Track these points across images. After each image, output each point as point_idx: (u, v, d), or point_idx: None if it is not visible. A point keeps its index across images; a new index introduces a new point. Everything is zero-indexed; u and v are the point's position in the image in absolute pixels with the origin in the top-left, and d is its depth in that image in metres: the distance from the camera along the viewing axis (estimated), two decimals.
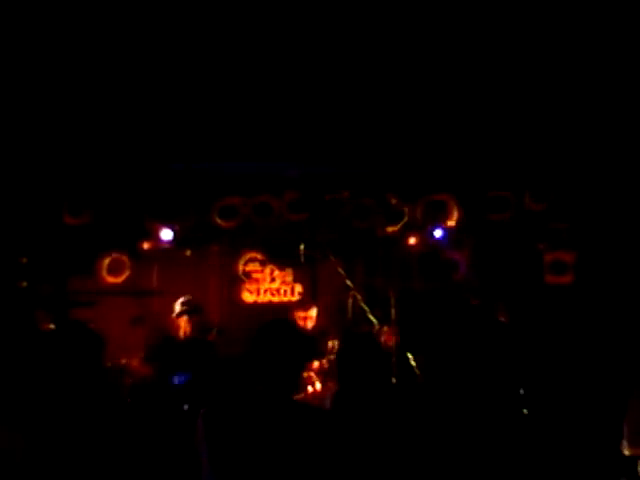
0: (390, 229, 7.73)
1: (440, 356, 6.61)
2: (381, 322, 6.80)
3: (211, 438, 2.93)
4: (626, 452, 3.76)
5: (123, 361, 6.25)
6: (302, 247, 7.40)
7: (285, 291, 8.30)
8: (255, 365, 3.02)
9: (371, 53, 6.00)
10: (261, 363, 3.01)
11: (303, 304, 7.17)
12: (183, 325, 6.31)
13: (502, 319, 6.55)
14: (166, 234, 7.44)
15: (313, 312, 6.92)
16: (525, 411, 5.68)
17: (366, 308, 6.75)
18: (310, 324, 6.87)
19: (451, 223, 7.66)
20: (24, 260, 7.23)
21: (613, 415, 4.04)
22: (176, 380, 5.94)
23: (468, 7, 5.55)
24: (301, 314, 6.89)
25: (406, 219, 7.67)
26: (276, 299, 8.28)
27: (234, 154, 7.16)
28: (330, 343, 6.55)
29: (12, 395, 3.46)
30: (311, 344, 3.17)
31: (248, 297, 8.25)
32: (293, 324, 3.22)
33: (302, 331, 3.26)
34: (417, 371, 5.94)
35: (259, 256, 8.28)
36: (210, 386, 5.73)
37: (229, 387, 5.42)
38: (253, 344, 3.06)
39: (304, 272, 8.15)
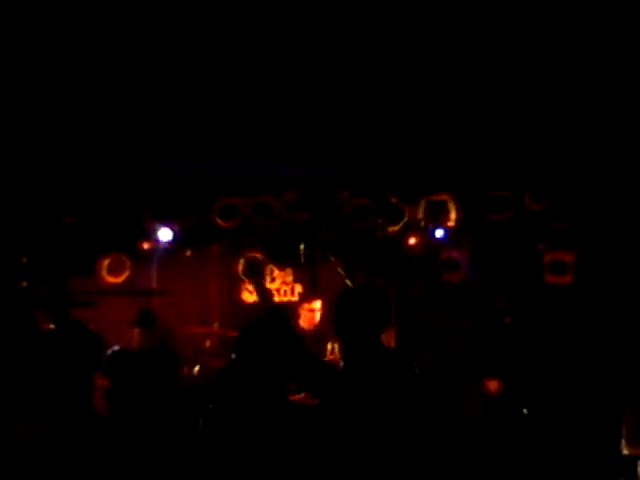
0: (390, 229, 7.73)
1: (442, 356, 6.61)
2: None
3: (209, 438, 2.93)
4: (625, 452, 3.76)
5: None
6: (302, 247, 7.41)
7: (285, 291, 8.30)
8: (245, 366, 3.02)
9: (371, 53, 6.00)
10: (250, 363, 3.01)
11: (307, 297, 7.19)
12: (135, 336, 6.19)
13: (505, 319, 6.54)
14: (165, 234, 7.43)
15: (317, 304, 6.91)
16: (525, 411, 5.68)
17: None
18: (317, 317, 6.86)
19: (451, 223, 7.66)
20: (24, 260, 7.22)
21: (612, 415, 4.03)
22: None
23: (468, 7, 5.56)
24: (306, 306, 6.90)
25: (406, 219, 7.67)
26: (276, 299, 8.27)
27: (234, 154, 7.15)
28: (329, 344, 6.56)
29: (11, 394, 3.46)
30: (299, 343, 3.16)
31: (248, 297, 8.25)
32: (283, 323, 3.22)
33: (290, 331, 3.23)
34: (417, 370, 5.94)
35: (259, 256, 8.27)
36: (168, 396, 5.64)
37: (227, 389, 5.39)
38: (239, 344, 3.06)
39: (304, 272, 8.15)
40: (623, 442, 3.74)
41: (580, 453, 4.69)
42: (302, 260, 7.45)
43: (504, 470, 4.76)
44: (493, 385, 6.05)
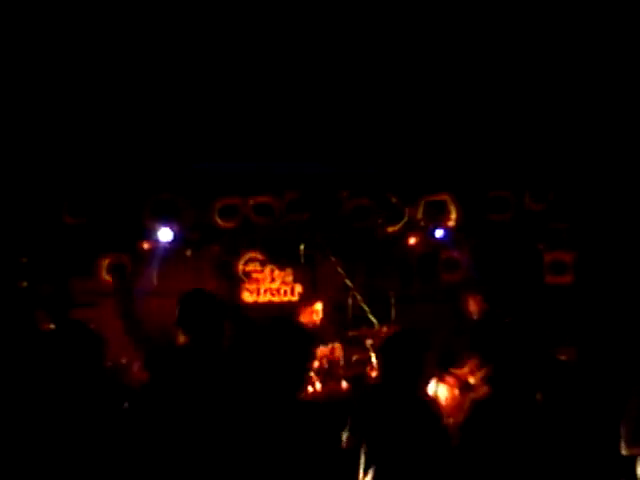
0: (390, 229, 7.73)
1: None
2: (381, 322, 6.81)
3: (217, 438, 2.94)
4: (624, 452, 3.75)
5: (124, 361, 6.18)
6: (302, 247, 7.40)
7: (285, 291, 8.29)
8: (260, 365, 3.03)
9: (372, 54, 6.01)
10: (266, 363, 3.02)
11: (307, 298, 7.19)
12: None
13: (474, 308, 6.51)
14: (165, 234, 7.43)
15: (319, 306, 6.90)
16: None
17: (366, 308, 6.76)
18: (317, 317, 6.85)
19: (451, 223, 7.66)
20: (24, 260, 7.22)
21: (612, 415, 4.03)
22: None
23: (468, 7, 5.56)
24: (308, 309, 6.89)
25: (406, 219, 7.68)
26: (276, 299, 8.26)
27: (234, 154, 7.16)
28: (330, 344, 6.55)
29: (12, 395, 3.46)
30: (311, 342, 3.22)
31: (248, 297, 8.25)
32: (296, 322, 3.25)
33: (303, 329, 3.27)
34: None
35: (259, 256, 8.27)
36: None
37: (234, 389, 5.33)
38: (256, 344, 3.07)
39: (304, 272, 8.14)
40: (622, 443, 3.74)
41: (580, 453, 4.69)
42: (302, 260, 7.44)
43: (503, 469, 4.76)
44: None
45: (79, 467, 3.00)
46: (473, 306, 6.51)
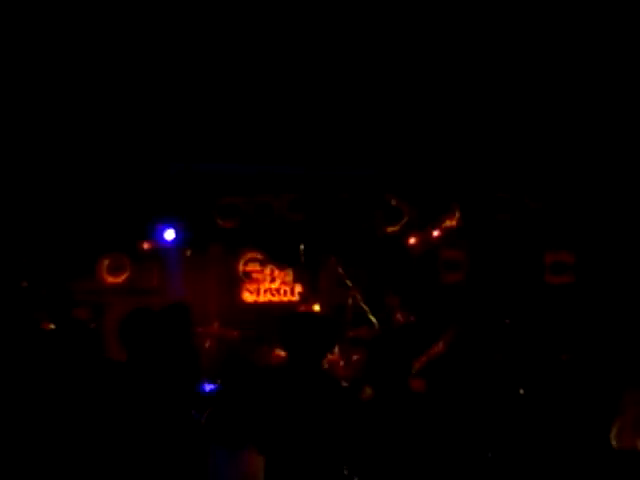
0: (390, 229, 7.74)
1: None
2: (381, 322, 6.81)
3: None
4: (614, 443, 3.74)
5: None
6: (302, 247, 7.41)
7: (285, 291, 8.30)
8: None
9: (374, 56, 6.02)
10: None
11: (306, 301, 7.20)
12: None
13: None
14: (169, 234, 7.45)
15: (317, 307, 6.92)
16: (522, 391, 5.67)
17: (366, 308, 6.76)
18: None
19: (451, 223, 7.66)
20: (24, 260, 7.23)
21: (612, 414, 4.03)
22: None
23: (470, 11, 5.58)
24: (303, 309, 6.91)
25: (406, 219, 7.68)
26: (276, 299, 8.27)
27: (234, 154, 7.17)
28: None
29: (13, 394, 3.46)
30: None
31: (248, 297, 8.25)
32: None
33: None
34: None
35: (259, 256, 8.27)
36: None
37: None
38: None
39: (304, 272, 8.14)
40: (614, 435, 3.73)
41: (580, 452, 4.70)
42: (302, 260, 7.45)
43: (503, 467, 4.77)
44: (417, 384, 5.99)
45: (80, 463, 3.01)
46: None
